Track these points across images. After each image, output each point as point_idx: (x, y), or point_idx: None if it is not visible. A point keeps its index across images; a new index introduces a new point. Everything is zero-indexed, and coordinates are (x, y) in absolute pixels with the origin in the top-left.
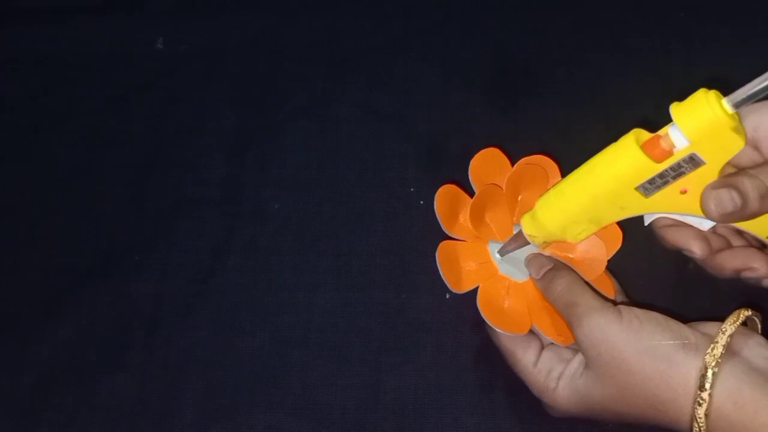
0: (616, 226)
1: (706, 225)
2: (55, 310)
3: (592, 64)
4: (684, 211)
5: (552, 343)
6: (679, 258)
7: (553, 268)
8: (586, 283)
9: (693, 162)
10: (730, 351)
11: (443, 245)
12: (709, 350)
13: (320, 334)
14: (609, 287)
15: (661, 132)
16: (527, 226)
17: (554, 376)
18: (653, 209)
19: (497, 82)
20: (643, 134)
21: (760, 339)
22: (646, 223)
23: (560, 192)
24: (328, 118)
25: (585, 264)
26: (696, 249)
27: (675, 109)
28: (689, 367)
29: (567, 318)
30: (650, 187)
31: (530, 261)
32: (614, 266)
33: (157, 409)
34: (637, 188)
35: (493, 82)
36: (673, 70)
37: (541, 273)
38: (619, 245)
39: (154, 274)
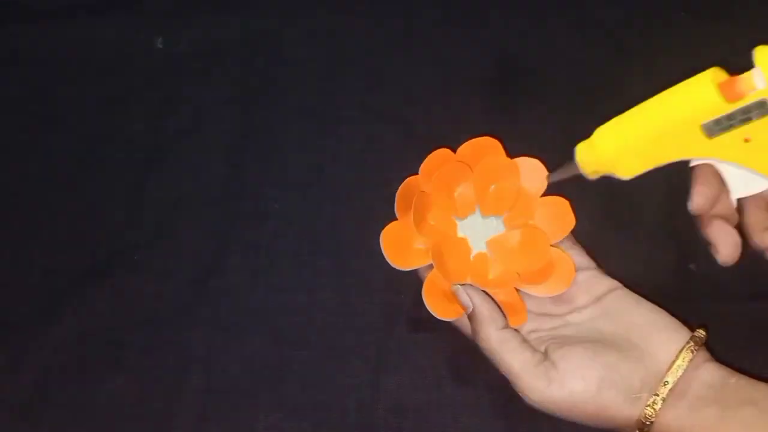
0: (569, 208)
1: (758, 186)
2: (55, 310)
3: (592, 64)
4: (743, 163)
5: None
6: (679, 258)
7: (475, 319)
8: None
9: (762, 108)
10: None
11: (391, 226)
12: (650, 403)
13: (320, 334)
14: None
15: (743, 75)
16: (581, 152)
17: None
18: (713, 154)
19: (497, 82)
20: (721, 74)
21: (705, 371)
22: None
23: (622, 120)
24: (328, 118)
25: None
26: (722, 256)
27: (759, 53)
28: (632, 413)
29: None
30: (715, 128)
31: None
32: (615, 266)
33: (157, 409)
34: (702, 126)
35: (493, 82)
36: (673, 70)
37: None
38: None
39: (154, 273)
